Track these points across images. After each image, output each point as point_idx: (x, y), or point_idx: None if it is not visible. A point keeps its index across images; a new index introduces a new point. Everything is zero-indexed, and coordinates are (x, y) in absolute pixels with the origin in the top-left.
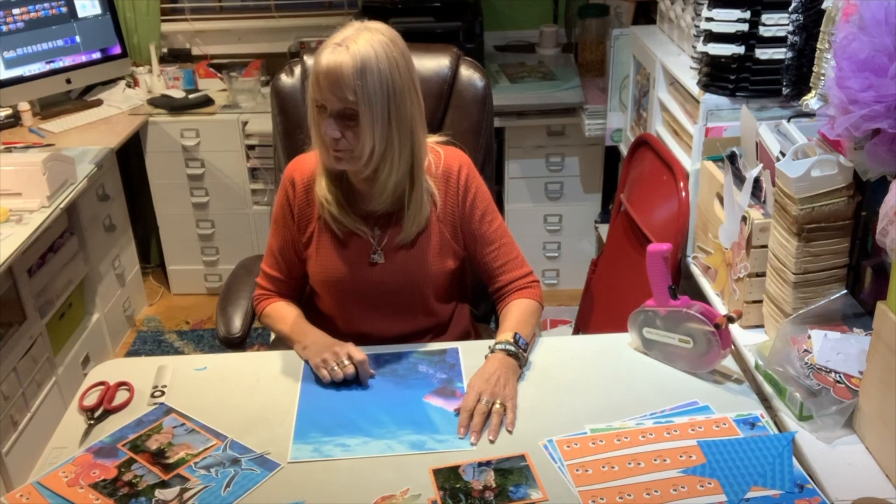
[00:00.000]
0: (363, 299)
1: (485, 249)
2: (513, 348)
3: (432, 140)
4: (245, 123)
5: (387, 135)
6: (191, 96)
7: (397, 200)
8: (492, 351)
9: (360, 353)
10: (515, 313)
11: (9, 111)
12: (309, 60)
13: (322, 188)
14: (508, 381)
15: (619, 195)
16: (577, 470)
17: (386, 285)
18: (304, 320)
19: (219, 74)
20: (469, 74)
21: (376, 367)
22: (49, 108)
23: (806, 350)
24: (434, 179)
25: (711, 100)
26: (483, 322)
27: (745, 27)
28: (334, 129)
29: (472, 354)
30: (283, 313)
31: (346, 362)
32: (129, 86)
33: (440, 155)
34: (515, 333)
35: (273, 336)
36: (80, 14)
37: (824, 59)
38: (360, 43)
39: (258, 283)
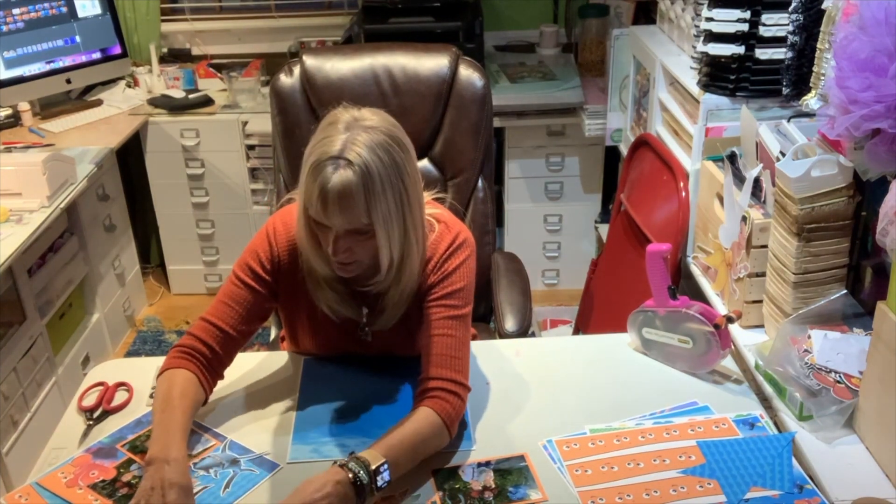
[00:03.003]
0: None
1: (425, 332)
2: (365, 478)
3: (434, 205)
4: (245, 123)
5: (403, 242)
6: (191, 96)
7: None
8: (339, 464)
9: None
10: (405, 431)
11: (9, 111)
12: (309, 60)
13: (318, 288)
14: None
15: (619, 195)
16: (576, 470)
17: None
18: (181, 420)
19: (219, 74)
20: (468, 74)
21: (376, 367)
22: (49, 108)
23: (806, 350)
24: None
25: (711, 100)
26: (482, 321)
27: (745, 27)
28: (344, 248)
29: (471, 355)
30: (175, 392)
31: None
32: (129, 86)
33: (434, 228)
34: (384, 462)
35: (273, 336)
36: (80, 14)
37: (824, 59)
38: (361, 151)
39: (188, 333)
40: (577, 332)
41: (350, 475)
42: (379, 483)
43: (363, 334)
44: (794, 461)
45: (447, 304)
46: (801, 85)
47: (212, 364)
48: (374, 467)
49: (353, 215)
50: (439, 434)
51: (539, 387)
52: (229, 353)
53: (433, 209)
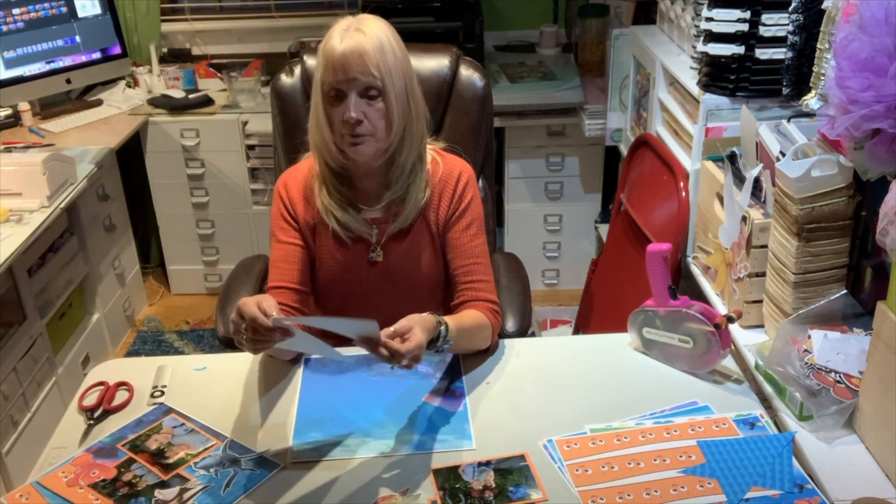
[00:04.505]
0: (364, 300)
1: (460, 261)
2: (441, 338)
3: (436, 146)
4: (245, 123)
5: (406, 110)
6: (191, 96)
7: (397, 190)
8: (439, 321)
9: (264, 321)
10: (469, 320)
11: (9, 111)
12: (309, 60)
13: (325, 196)
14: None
15: (619, 195)
16: (576, 470)
17: (386, 283)
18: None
19: (219, 74)
20: (469, 74)
21: (376, 367)
22: (49, 108)
23: (806, 350)
24: (432, 186)
25: (711, 100)
26: None
27: (745, 27)
28: (357, 109)
29: (472, 354)
30: None
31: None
32: (129, 86)
33: (439, 163)
34: (453, 339)
35: None
36: (80, 14)
37: (824, 59)
38: (370, 25)
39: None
40: (577, 332)
41: (438, 328)
42: (443, 347)
43: (374, 255)
44: (794, 461)
45: (471, 234)
46: (801, 85)
47: (299, 303)
48: (449, 336)
49: (366, 68)
50: (487, 334)
51: (539, 387)
52: (308, 285)
53: (434, 144)
